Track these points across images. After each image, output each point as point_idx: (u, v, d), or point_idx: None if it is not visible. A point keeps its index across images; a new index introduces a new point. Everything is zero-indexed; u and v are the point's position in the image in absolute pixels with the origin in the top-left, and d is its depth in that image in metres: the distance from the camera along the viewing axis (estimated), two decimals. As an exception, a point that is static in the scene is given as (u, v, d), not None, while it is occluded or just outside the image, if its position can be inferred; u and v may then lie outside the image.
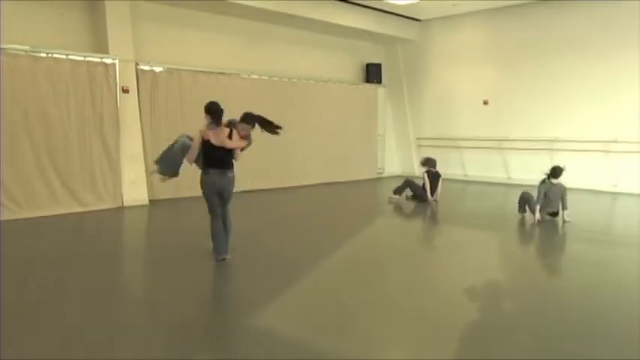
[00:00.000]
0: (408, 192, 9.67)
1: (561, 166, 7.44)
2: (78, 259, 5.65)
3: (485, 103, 12.52)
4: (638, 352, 3.35)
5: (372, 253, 6.35)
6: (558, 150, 11.24)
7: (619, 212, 9.40)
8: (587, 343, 3.47)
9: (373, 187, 12.41)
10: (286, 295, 4.50)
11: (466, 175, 12.59)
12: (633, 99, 10.32)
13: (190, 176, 10.11)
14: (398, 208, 9.31)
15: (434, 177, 9.50)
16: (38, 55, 7.83)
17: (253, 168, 10.38)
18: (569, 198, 7.53)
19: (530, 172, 11.71)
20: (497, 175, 12.34)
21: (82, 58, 8.33)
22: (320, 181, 12.04)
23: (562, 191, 7.42)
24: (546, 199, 7.39)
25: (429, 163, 9.57)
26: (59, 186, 8.11)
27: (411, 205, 9.42)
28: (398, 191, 9.56)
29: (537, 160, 11.59)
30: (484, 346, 3.46)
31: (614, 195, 10.41)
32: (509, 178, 12.17)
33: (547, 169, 7.54)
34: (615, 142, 10.48)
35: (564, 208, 7.49)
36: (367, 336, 3.65)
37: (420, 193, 9.52)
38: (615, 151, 10.54)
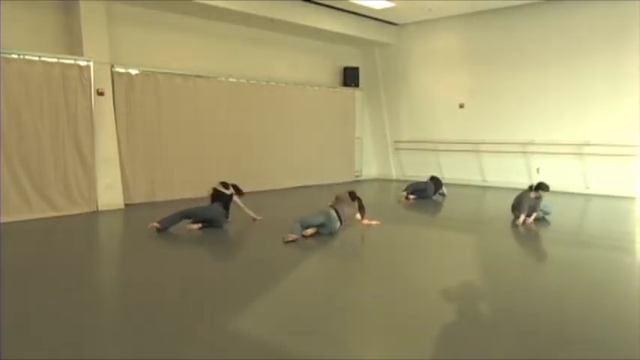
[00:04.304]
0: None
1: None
2: (48, 263, 5.56)
3: (462, 106, 12.67)
4: (615, 353, 3.40)
5: (348, 255, 6.36)
6: (533, 153, 11.45)
7: (593, 214, 9.60)
8: (565, 343, 3.53)
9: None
10: (261, 298, 4.48)
11: (443, 178, 12.68)
12: (605, 102, 10.56)
13: (165, 181, 10.07)
14: (372, 210, 9.36)
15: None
16: (9, 56, 7.67)
17: (230, 171, 10.34)
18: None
19: (505, 175, 11.94)
20: (473, 177, 12.50)
21: (55, 60, 8.18)
22: (297, 184, 12.04)
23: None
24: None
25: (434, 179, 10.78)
26: (32, 191, 7.94)
27: (396, 205, 9.77)
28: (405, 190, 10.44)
29: (512, 162, 11.82)
30: (460, 346, 3.49)
31: (587, 197, 10.62)
32: (484, 181, 12.34)
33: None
34: (587, 144, 10.70)
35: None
36: (342, 337, 3.65)
37: (422, 191, 10.34)
38: (588, 154, 10.77)
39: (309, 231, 6.56)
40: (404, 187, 10.55)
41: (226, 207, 7.44)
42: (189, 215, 7.20)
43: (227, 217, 7.45)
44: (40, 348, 3.42)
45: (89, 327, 3.82)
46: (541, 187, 7.69)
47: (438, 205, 10.05)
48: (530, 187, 7.77)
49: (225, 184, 7.62)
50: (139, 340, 3.58)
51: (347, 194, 7.34)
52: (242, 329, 3.80)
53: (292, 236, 6.33)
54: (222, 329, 3.79)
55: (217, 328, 3.79)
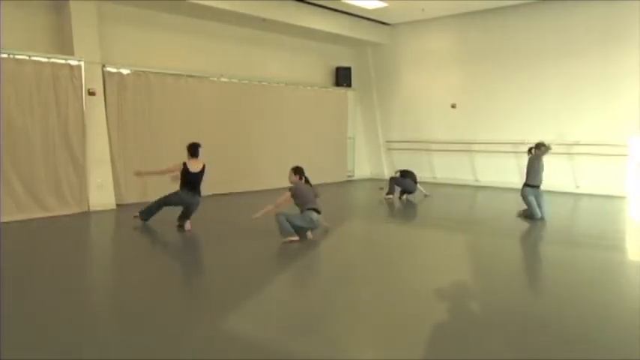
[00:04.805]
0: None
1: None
2: (43, 263, 5.50)
3: (453, 106, 12.71)
4: (615, 353, 3.41)
5: (342, 255, 6.36)
6: (524, 152, 11.47)
7: (585, 213, 9.67)
8: (559, 343, 3.54)
9: (343, 189, 12.45)
10: (259, 298, 4.46)
11: (435, 178, 12.75)
12: (594, 102, 10.65)
13: (157, 181, 9.96)
14: (365, 210, 9.41)
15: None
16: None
17: (223, 171, 10.30)
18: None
19: (496, 174, 12.00)
20: (466, 177, 12.54)
21: (46, 60, 8.09)
22: (291, 184, 12.00)
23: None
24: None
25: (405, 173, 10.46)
26: (22, 191, 7.85)
27: (388, 205, 9.80)
28: (390, 191, 10.13)
29: (505, 162, 11.87)
30: (460, 346, 3.50)
31: (577, 196, 10.70)
32: (476, 180, 12.39)
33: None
34: (577, 144, 10.78)
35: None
36: (342, 337, 3.64)
37: (407, 187, 10.23)
38: (578, 153, 10.85)
39: (309, 233, 6.62)
40: (386, 190, 10.19)
41: (195, 187, 7.23)
42: (167, 203, 7.33)
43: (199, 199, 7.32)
44: (40, 348, 3.38)
45: (89, 327, 3.79)
46: (541, 145, 8.24)
47: (431, 205, 10.07)
48: (532, 151, 8.34)
49: (194, 149, 7.31)
50: (138, 340, 3.55)
51: (299, 180, 7.08)
52: (241, 329, 3.78)
53: (292, 238, 6.31)
54: (222, 329, 3.76)
55: (217, 328, 3.76)
